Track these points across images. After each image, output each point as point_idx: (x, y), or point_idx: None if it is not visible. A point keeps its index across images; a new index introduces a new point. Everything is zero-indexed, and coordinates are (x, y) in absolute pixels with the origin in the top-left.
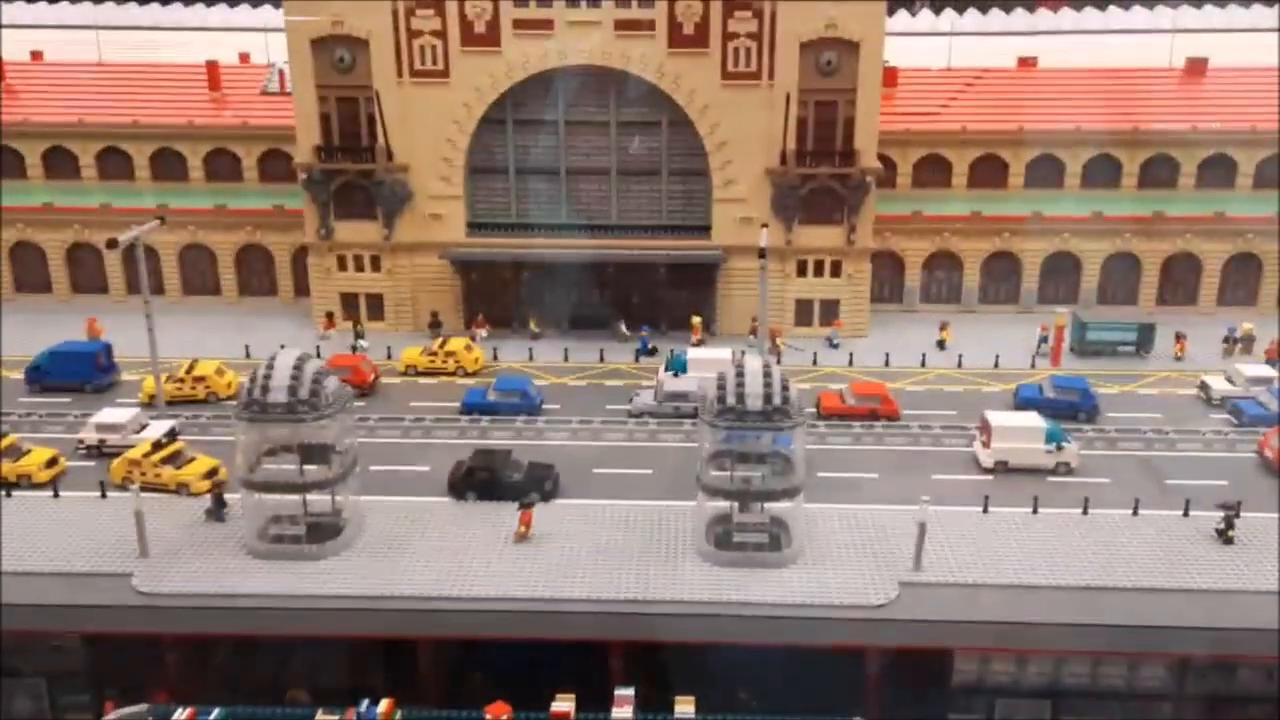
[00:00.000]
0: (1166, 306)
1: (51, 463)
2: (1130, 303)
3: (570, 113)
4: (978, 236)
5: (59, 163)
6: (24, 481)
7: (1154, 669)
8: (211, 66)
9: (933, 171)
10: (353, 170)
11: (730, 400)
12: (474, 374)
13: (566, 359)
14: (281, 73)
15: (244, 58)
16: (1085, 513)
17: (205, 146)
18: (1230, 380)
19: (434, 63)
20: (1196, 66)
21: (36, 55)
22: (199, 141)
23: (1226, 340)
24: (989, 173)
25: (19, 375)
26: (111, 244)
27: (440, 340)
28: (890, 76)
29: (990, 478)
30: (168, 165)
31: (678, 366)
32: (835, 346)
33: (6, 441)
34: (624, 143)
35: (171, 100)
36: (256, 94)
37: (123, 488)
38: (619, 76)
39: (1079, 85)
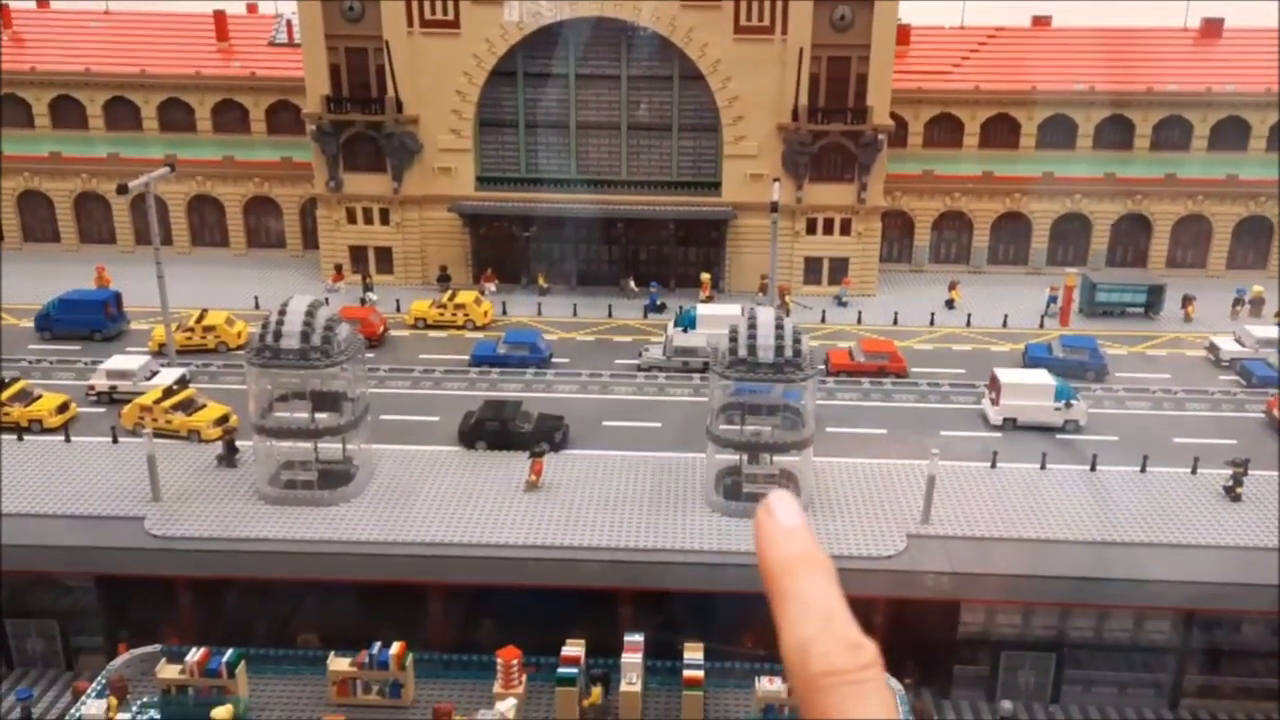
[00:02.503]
0: (1177, 268)
1: (63, 408)
2: (1140, 264)
3: (581, 66)
4: (988, 197)
5: (66, 112)
6: (35, 426)
7: (1159, 623)
8: (219, 16)
9: (944, 131)
10: (362, 122)
11: (742, 352)
12: (483, 327)
13: (575, 314)
14: (290, 23)
15: (252, 8)
16: (1093, 469)
17: (213, 97)
18: (1239, 341)
19: (444, 13)
20: (1212, 27)
21: (43, 3)
22: (207, 92)
23: (1236, 302)
24: (1001, 133)
25: (29, 323)
26: (122, 189)
27: (449, 293)
28: (903, 34)
29: (999, 434)
30: (175, 116)
31: (687, 322)
32: (844, 304)
33: (17, 387)
34: (635, 98)
35: (179, 50)
36: (264, 45)
37: (134, 433)
38: (630, 30)
39: (1093, 45)
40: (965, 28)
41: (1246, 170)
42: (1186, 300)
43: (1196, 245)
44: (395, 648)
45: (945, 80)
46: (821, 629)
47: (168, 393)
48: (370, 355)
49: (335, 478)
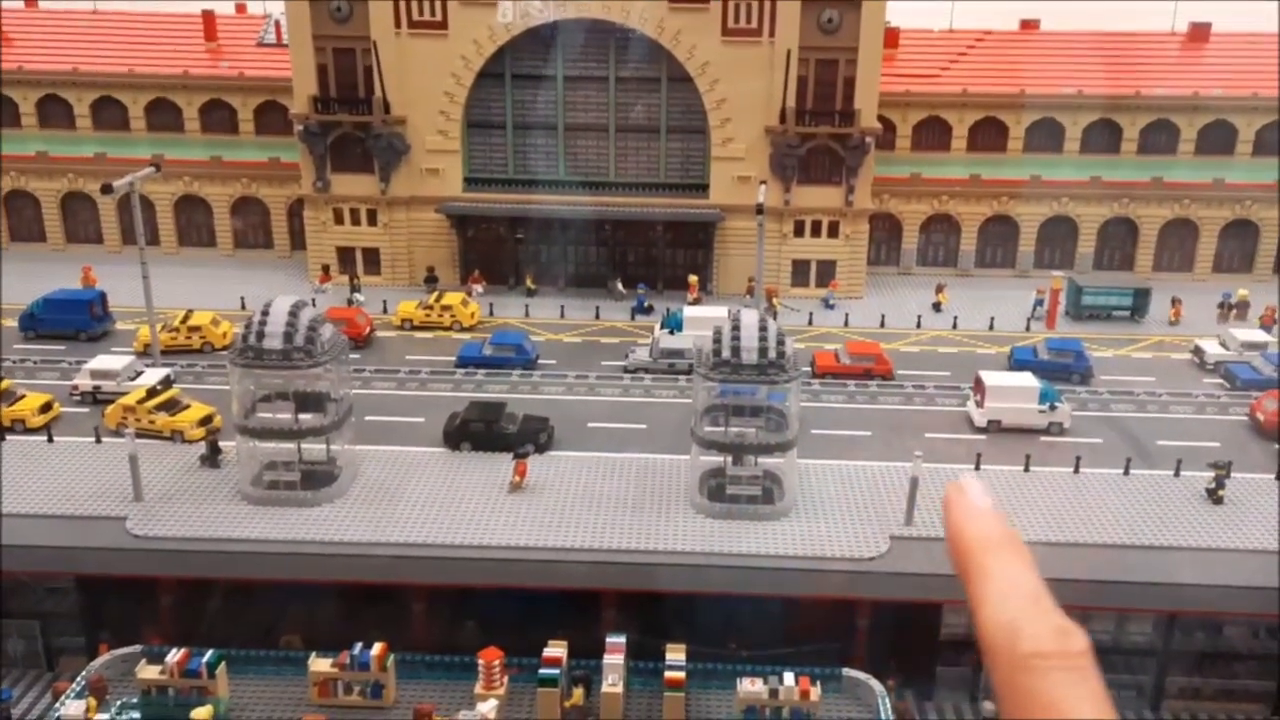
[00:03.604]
0: (1163, 272)
1: (46, 408)
2: (1127, 268)
3: (569, 68)
4: (976, 200)
5: (53, 111)
6: (18, 426)
7: (1141, 625)
8: (207, 16)
9: (932, 134)
10: (349, 123)
11: (726, 354)
12: (469, 329)
13: (562, 316)
14: (278, 23)
15: (240, 8)
16: (1077, 471)
17: (201, 97)
18: (1224, 345)
19: (432, 14)
20: (1199, 32)
21: (31, 2)
22: (194, 92)
23: (1221, 306)
24: (989, 136)
25: (13, 322)
26: (106, 189)
27: (436, 295)
28: (891, 37)
29: (983, 437)
30: (163, 116)
31: (674, 324)
32: (831, 307)
33: (1, 386)
34: (624, 100)
35: (167, 50)
36: (253, 45)
37: (117, 433)
38: (619, 32)
39: (1081, 49)
40: (953, 31)
41: (1233, 174)
42: (1172, 303)
43: (1183, 249)
44: (377, 648)
45: (933, 83)
46: (1030, 610)
47: (151, 393)
48: (356, 356)
49: (318, 479)
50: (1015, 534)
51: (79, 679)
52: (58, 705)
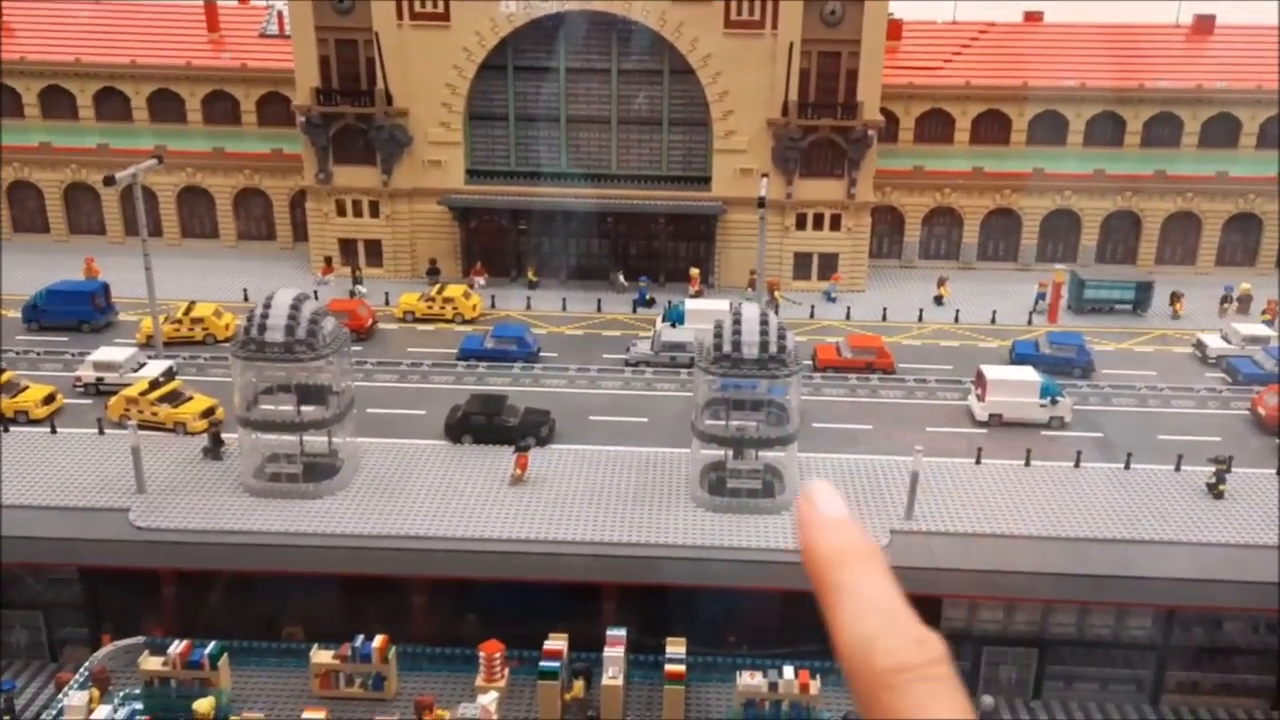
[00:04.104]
0: (1165, 265)
1: (49, 399)
2: (1129, 261)
3: (571, 60)
4: (978, 193)
5: (56, 102)
6: (21, 417)
7: (1141, 620)
8: (210, 7)
9: (935, 126)
10: (352, 114)
11: (727, 348)
12: (471, 321)
13: (564, 308)
14: (280, 15)
15: None
16: (1078, 466)
17: (203, 88)
18: (1226, 339)
19: (434, 5)
20: (1203, 24)
21: None
22: (197, 83)
23: (1224, 299)
24: (992, 128)
25: (16, 314)
26: (109, 181)
27: (438, 287)
28: (894, 29)
29: (984, 431)
30: (166, 106)
31: (675, 317)
32: (833, 300)
33: (4, 378)
34: (626, 92)
35: (169, 41)
36: (255, 36)
37: (120, 425)
38: (621, 24)
39: (1085, 41)
40: (957, 23)
41: (1236, 167)
42: (1175, 297)
43: (1186, 242)
44: (378, 640)
45: (936, 76)
46: (885, 624)
47: (154, 385)
48: (358, 348)
49: (320, 471)
50: (867, 544)
51: (82, 670)
52: (60, 696)
